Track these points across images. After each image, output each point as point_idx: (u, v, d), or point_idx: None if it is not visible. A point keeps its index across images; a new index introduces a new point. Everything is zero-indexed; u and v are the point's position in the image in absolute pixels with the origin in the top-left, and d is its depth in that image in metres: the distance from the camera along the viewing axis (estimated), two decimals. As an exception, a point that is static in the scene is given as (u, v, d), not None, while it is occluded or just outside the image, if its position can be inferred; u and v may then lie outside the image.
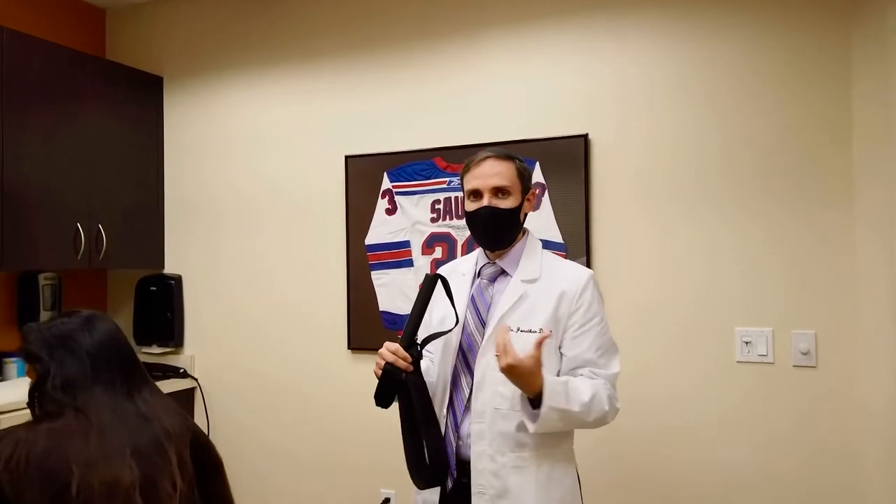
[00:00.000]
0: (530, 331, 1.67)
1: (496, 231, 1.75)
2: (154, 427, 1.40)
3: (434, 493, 1.74)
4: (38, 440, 1.28)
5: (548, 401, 1.55)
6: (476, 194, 1.74)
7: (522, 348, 1.58)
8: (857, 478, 2.22)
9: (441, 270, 1.88)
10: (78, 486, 1.25)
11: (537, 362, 1.54)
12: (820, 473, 2.26)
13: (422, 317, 1.68)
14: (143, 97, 3.26)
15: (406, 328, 1.66)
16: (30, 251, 2.74)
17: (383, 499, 2.84)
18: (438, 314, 1.81)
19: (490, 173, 1.73)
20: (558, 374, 1.69)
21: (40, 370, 1.40)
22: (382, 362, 1.63)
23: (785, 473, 2.30)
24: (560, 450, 1.72)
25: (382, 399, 1.63)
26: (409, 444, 1.67)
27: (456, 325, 1.72)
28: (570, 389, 1.60)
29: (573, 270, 1.77)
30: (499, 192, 1.72)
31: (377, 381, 1.63)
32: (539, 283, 1.73)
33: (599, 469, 2.49)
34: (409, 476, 1.85)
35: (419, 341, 1.67)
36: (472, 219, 1.76)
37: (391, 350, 1.63)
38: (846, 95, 2.25)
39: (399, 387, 1.63)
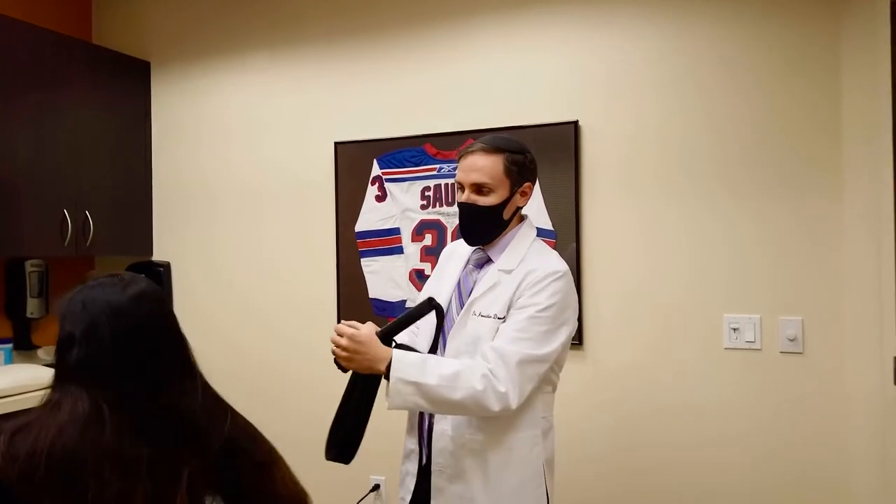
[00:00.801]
0: (486, 315, 1.69)
1: (471, 228, 1.75)
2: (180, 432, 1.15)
3: (414, 465, 1.79)
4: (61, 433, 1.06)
5: (395, 372, 1.56)
6: (460, 187, 1.74)
7: (476, 334, 1.67)
8: (841, 462, 2.24)
9: (447, 248, 1.96)
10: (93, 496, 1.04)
11: (356, 342, 1.59)
12: (806, 458, 2.28)
13: (406, 327, 1.71)
14: (131, 82, 3.23)
15: (390, 326, 1.68)
16: (15, 238, 2.72)
17: (373, 485, 2.85)
18: (433, 294, 1.81)
19: (472, 168, 1.70)
20: None
21: (62, 334, 1.17)
22: (337, 340, 1.65)
23: (771, 458, 2.32)
24: (520, 437, 1.69)
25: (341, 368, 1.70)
26: (338, 418, 1.76)
27: (427, 308, 1.72)
28: (427, 363, 1.59)
29: (545, 263, 1.71)
30: (478, 188, 1.69)
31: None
32: (513, 273, 1.71)
33: (586, 456, 2.51)
34: (399, 462, 1.88)
35: (395, 342, 1.69)
36: (458, 210, 1.78)
37: (342, 335, 1.64)
38: (835, 86, 2.25)
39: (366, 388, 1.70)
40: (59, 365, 1.16)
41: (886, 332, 2.07)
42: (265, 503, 1.24)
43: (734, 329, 2.36)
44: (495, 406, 1.56)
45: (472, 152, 1.71)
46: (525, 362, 1.60)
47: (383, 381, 1.63)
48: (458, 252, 1.88)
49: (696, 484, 2.40)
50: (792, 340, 2.29)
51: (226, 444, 1.19)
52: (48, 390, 1.16)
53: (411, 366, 1.57)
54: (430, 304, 1.70)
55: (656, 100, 2.47)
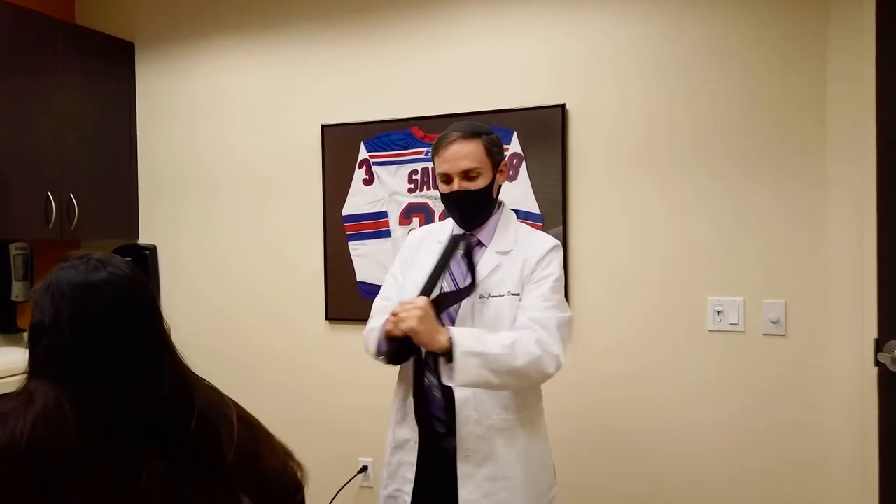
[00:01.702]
0: (500, 295, 1.74)
1: (471, 213, 1.80)
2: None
3: (412, 455, 1.77)
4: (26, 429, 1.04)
5: (460, 347, 1.57)
6: (447, 178, 1.77)
7: (494, 314, 1.71)
8: (821, 441, 2.28)
9: (415, 233, 1.97)
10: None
11: (425, 312, 1.57)
12: (786, 437, 2.32)
13: (441, 276, 1.72)
14: (115, 63, 3.19)
15: (425, 286, 1.69)
16: (1, 220, 2.69)
17: (361, 466, 2.87)
18: (416, 282, 1.80)
19: (458, 156, 1.73)
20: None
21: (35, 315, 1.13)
22: (403, 325, 1.59)
23: (753, 438, 2.36)
24: (537, 409, 1.80)
25: (399, 358, 1.67)
26: (419, 399, 1.72)
27: (473, 288, 1.72)
28: (485, 335, 1.63)
29: (540, 240, 1.82)
30: (468, 174, 1.74)
31: (393, 342, 1.64)
32: (511, 254, 1.78)
33: (572, 440, 2.54)
34: (384, 445, 1.88)
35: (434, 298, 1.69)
36: (446, 201, 1.81)
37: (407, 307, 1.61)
38: (821, 71, 2.26)
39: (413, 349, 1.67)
40: (30, 354, 1.13)
41: (867, 314, 2.10)
42: (254, 481, 1.23)
43: (718, 312, 2.39)
44: (552, 368, 1.65)
45: (452, 142, 1.74)
46: (561, 325, 1.71)
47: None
48: (429, 239, 1.89)
49: (679, 464, 2.44)
50: (775, 323, 2.32)
51: (199, 425, 1.14)
52: (24, 378, 1.13)
53: (472, 338, 1.60)
54: (455, 241, 1.73)
55: (642, 84, 2.47)
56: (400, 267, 1.93)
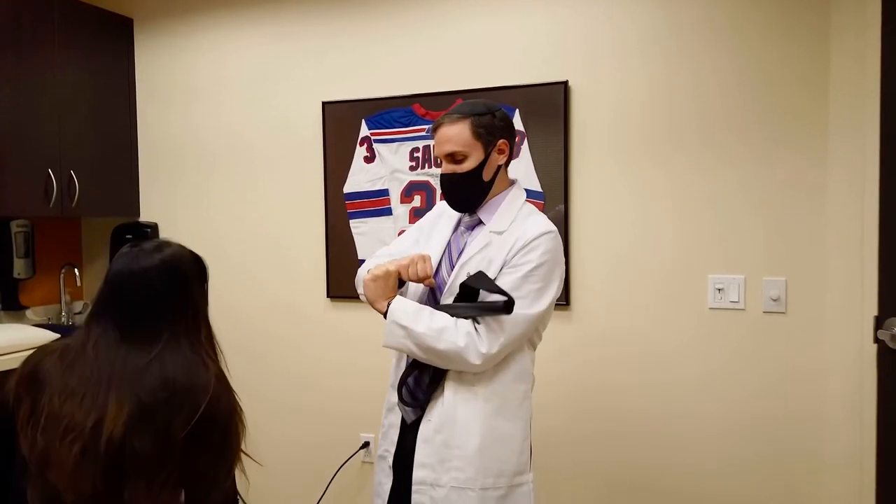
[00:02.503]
0: None
1: (456, 195, 1.82)
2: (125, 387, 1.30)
3: (398, 416, 1.84)
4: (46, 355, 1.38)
5: (391, 315, 1.72)
6: (437, 161, 1.81)
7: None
8: (819, 418, 2.30)
9: (439, 206, 2.00)
10: (42, 407, 1.30)
11: (380, 278, 1.73)
12: (785, 414, 2.34)
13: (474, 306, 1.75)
14: (113, 40, 3.16)
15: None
16: (1, 197, 2.69)
17: (363, 442, 2.90)
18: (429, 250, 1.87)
19: (442, 139, 1.77)
20: None
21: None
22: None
23: (752, 416, 2.37)
24: (513, 389, 1.76)
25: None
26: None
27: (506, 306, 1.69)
28: (421, 313, 1.70)
29: (534, 223, 1.77)
30: (453, 157, 1.76)
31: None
32: (505, 234, 1.77)
33: (568, 416, 2.56)
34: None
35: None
36: (440, 184, 1.86)
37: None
38: (824, 47, 2.25)
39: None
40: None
41: (867, 291, 2.11)
42: (190, 473, 1.33)
43: (719, 289, 2.39)
44: (475, 361, 1.66)
45: (441, 125, 1.78)
46: (515, 323, 1.67)
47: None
48: (447, 213, 1.91)
49: (678, 442, 2.46)
50: (775, 300, 2.33)
51: (166, 396, 1.31)
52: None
53: (406, 312, 1.71)
54: (507, 307, 1.66)
55: (644, 60, 2.45)
56: (417, 230, 1.98)
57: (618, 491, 2.54)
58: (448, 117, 1.77)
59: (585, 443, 2.57)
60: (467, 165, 1.75)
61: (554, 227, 1.78)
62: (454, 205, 1.83)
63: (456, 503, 1.69)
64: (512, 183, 1.86)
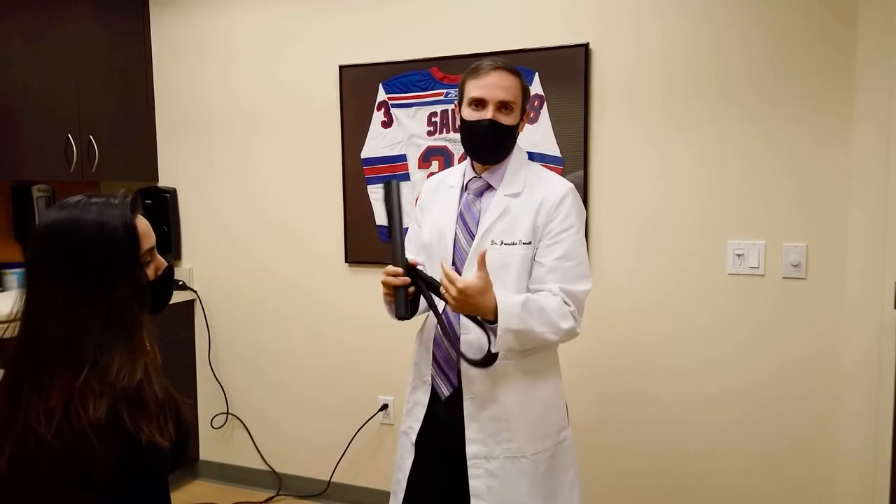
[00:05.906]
0: (512, 243, 1.72)
1: (495, 146, 1.76)
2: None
3: (425, 395, 1.82)
4: None
5: (503, 324, 1.60)
6: (479, 103, 1.72)
7: (503, 261, 1.70)
8: (836, 384, 2.31)
9: (431, 180, 1.94)
10: None
11: (485, 281, 1.58)
12: (803, 379, 2.35)
13: (401, 227, 1.67)
14: (128, 1, 3.15)
15: (393, 249, 1.67)
16: (20, 161, 2.71)
17: (381, 405, 2.94)
18: (431, 229, 1.84)
19: (499, 85, 1.70)
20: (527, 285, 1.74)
21: None
22: (391, 287, 1.66)
23: (770, 380, 2.38)
24: (543, 356, 1.78)
25: (404, 312, 1.67)
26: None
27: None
28: (525, 310, 1.63)
29: (553, 182, 1.78)
30: (503, 106, 1.71)
31: (393, 302, 1.67)
32: (522, 197, 1.75)
33: (588, 383, 2.58)
34: (404, 384, 1.94)
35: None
36: (471, 128, 1.74)
37: (390, 275, 1.65)
38: (852, 2, 2.19)
39: (414, 302, 1.69)
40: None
41: (889, 256, 2.09)
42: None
43: (738, 255, 2.38)
44: (569, 339, 1.72)
45: (495, 68, 1.71)
46: (585, 297, 1.74)
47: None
48: (445, 183, 1.88)
49: (696, 406, 2.48)
50: (795, 266, 2.32)
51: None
52: None
53: (514, 316, 1.61)
54: (393, 186, 1.68)
55: (665, 20, 2.41)
56: (418, 215, 1.93)
57: (629, 478, 2.57)
58: (504, 64, 1.72)
59: (604, 399, 2.59)
60: (511, 120, 1.72)
61: (570, 183, 1.79)
62: (485, 153, 1.77)
63: (511, 471, 1.73)
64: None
